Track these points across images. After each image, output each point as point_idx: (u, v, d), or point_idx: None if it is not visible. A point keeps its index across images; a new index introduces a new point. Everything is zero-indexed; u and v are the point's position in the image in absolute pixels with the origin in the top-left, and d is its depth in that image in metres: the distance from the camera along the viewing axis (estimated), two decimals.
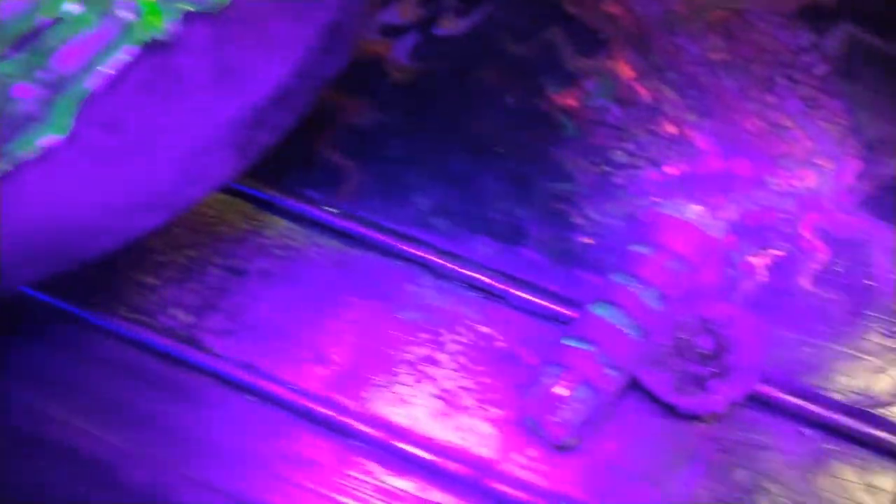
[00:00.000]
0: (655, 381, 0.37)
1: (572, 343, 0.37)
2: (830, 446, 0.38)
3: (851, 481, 0.38)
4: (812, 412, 0.38)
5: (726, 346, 0.37)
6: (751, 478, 0.38)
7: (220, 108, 0.34)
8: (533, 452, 0.38)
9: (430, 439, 0.38)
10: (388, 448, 0.38)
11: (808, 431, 0.38)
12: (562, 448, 0.38)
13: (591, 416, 0.37)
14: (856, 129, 0.43)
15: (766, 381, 0.38)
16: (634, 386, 0.38)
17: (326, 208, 0.42)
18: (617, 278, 0.38)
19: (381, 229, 0.41)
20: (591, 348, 0.36)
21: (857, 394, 0.39)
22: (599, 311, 0.37)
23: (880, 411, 0.39)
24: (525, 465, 0.38)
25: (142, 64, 0.34)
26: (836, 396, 0.39)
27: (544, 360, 0.38)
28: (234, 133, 0.34)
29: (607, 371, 0.36)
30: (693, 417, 0.38)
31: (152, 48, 0.34)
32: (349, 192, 0.42)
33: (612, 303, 0.37)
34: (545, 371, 0.37)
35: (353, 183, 0.42)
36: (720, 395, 0.37)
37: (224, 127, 0.34)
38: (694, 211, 0.38)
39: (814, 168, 0.43)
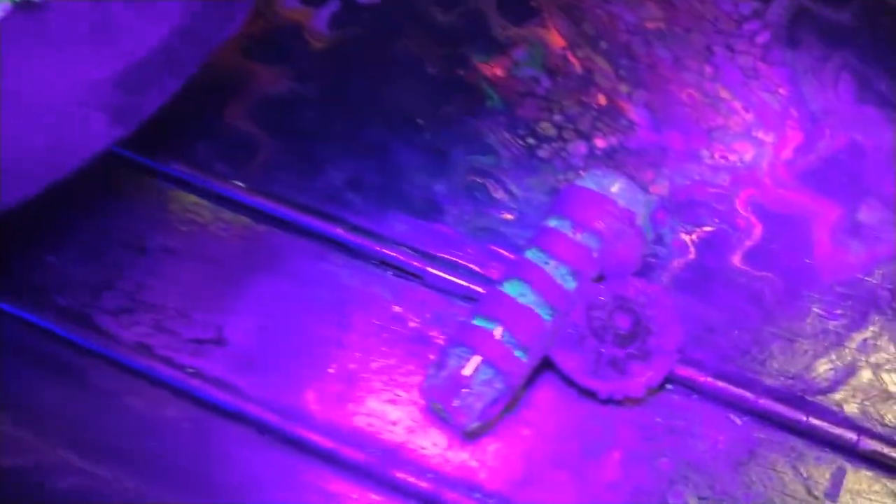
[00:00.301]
0: (570, 363, 0.35)
1: (480, 323, 0.35)
2: (762, 434, 0.36)
3: (784, 472, 0.35)
4: (743, 398, 0.36)
5: (645, 327, 0.35)
6: (675, 467, 0.35)
7: (93, 67, 0.32)
8: (442, 439, 0.36)
9: (334, 425, 0.36)
10: (289, 435, 0.36)
11: (738, 418, 0.36)
12: (468, 434, 0.35)
13: (497, 401, 0.34)
14: (798, 100, 0.41)
15: (695, 364, 0.36)
16: (551, 368, 0.36)
17: (235, 182, 0.40)
18: (530, 254, 0.35)
19: (291, 204, 0.39)
20: (497, 328, 0.34)
21: (792, 379, 0.37)
22: (508, 289, 0.35)
23: (817, 398, 0.36)
24: (433, 452, 0.36)
25: (11, 23, 0.32)
26: (769, 382, 0.36)
27: (451, 340, 0.35)
28: (108, 94, 0.32)
29: (514, 353, 0.34)
30: (612, 402, 0.36)
31: (23, 7, 0.32)
32: (260, 165, 0.40)
33: (522, 280, 0.35)
34: (451, 352, 0.35)
35: (265, 155, 0.40)
36: (641, 379, 0.35)
37: (98, 87, 0.32)
38: (616, 184, 0.36)
39: (751, 141, 0.40)
